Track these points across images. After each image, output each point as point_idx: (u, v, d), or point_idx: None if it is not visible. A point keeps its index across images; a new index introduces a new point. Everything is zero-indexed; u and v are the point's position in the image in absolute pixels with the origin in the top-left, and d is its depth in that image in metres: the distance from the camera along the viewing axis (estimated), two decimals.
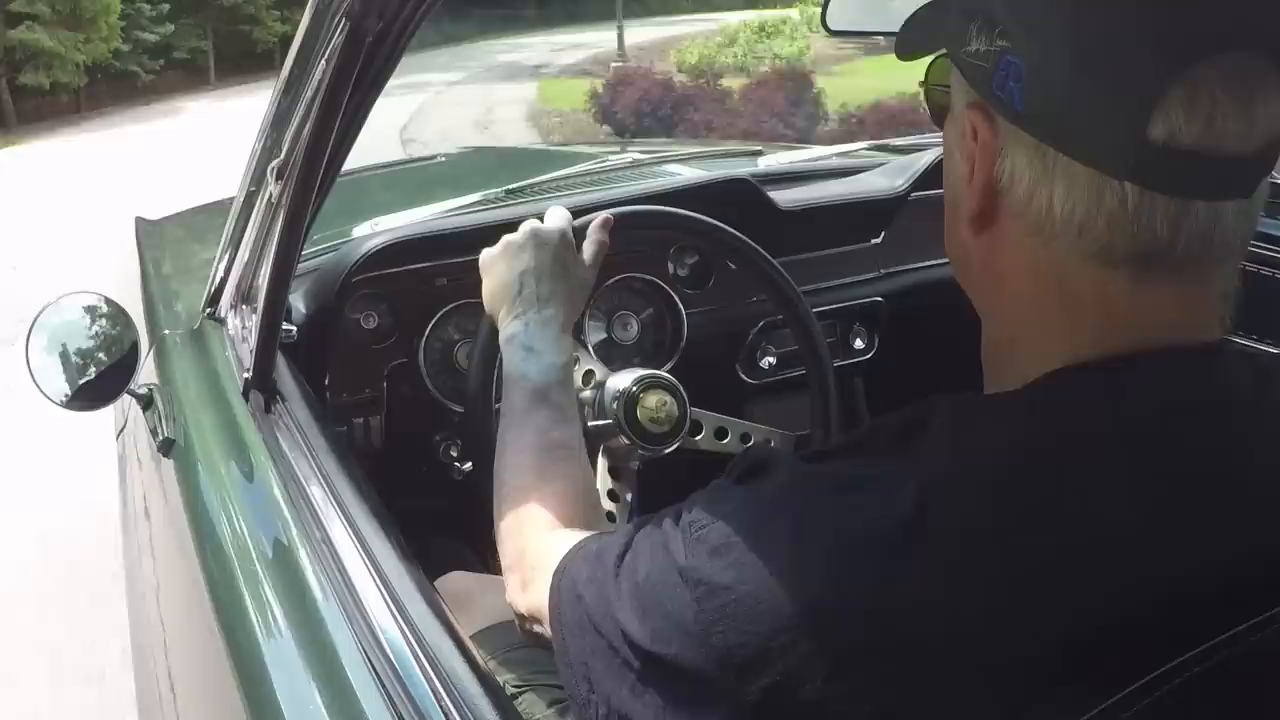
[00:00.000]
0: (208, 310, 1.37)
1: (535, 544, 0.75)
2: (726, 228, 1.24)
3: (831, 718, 0.47)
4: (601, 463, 1.11)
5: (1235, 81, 0.48)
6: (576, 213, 1.06)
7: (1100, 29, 0.49)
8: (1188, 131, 0.48)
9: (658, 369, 1.22)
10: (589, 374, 1.13)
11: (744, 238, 1.24)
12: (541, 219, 1.02)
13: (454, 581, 1.18)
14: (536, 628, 0.71)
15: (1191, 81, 0.48)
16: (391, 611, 0.74)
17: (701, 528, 0.54)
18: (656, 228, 1.30)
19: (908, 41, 0.67)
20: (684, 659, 0.52)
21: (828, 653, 0.47)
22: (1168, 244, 0.50)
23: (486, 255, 1.00)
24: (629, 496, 1.11)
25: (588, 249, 1.02)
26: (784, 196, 1.57)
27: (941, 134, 0.62)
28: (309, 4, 0.84)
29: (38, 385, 1.23)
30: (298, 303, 1.31)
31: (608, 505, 1.09)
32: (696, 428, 1.20)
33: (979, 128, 0.54)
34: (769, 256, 1.25)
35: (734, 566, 0.51)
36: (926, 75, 0.64)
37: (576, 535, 0.70)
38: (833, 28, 1.24)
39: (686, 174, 1.73)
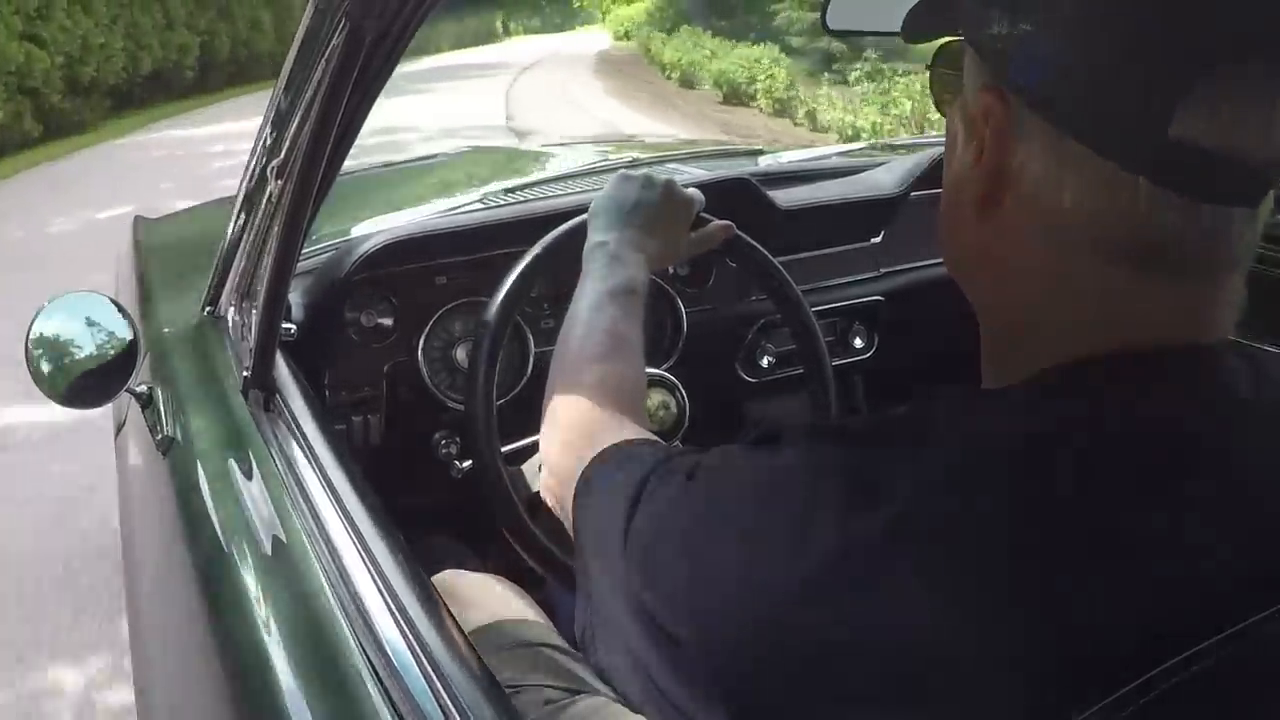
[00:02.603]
0: (207, 308, 1.37)
1: (587, 412, 0.77)
2: (806, 305, 1.26)
3: (809, 707, 0.48)
4: None
5: (1259, 88, 0.48)
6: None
7: (1129, 22, 0.49)
8: (1209, 133, 0.48)
9: (657, 368, 1.22)
10: None
11: (812, 314, 1.27)
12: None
13: (452, 579, 1.18)
14: (556, 486, 0.75)
15: (1217, 83, 0.48)
16: (390, 609, 0.74)
17: (710, 491, 0.55)
18: (752, 273, 1.29)
19: (918, 24, 0.66)
20: (669, 624, 0.53)
21: (810, 650, 0.48)
22: (1175, 243, 0.50)
23: (622, 173, 1.07)
24: None
25: (697, 234, 1.10)
26: (784, 196, 1.57)
27: (944, 127, 0.61)
28: (310, 4, 0.84)
29: (37, 383, 1.24)
30: (297, 301, 1.31)
31: None
32: None
33: (993, 111, 0.54)
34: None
35: (731, 541, 0.52)
36: (934, 59, 0.64)
37: (625, 424, 0.73)
38: (833, 27, 1.24)
39: (687, 173, 1.73)
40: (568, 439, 0.76)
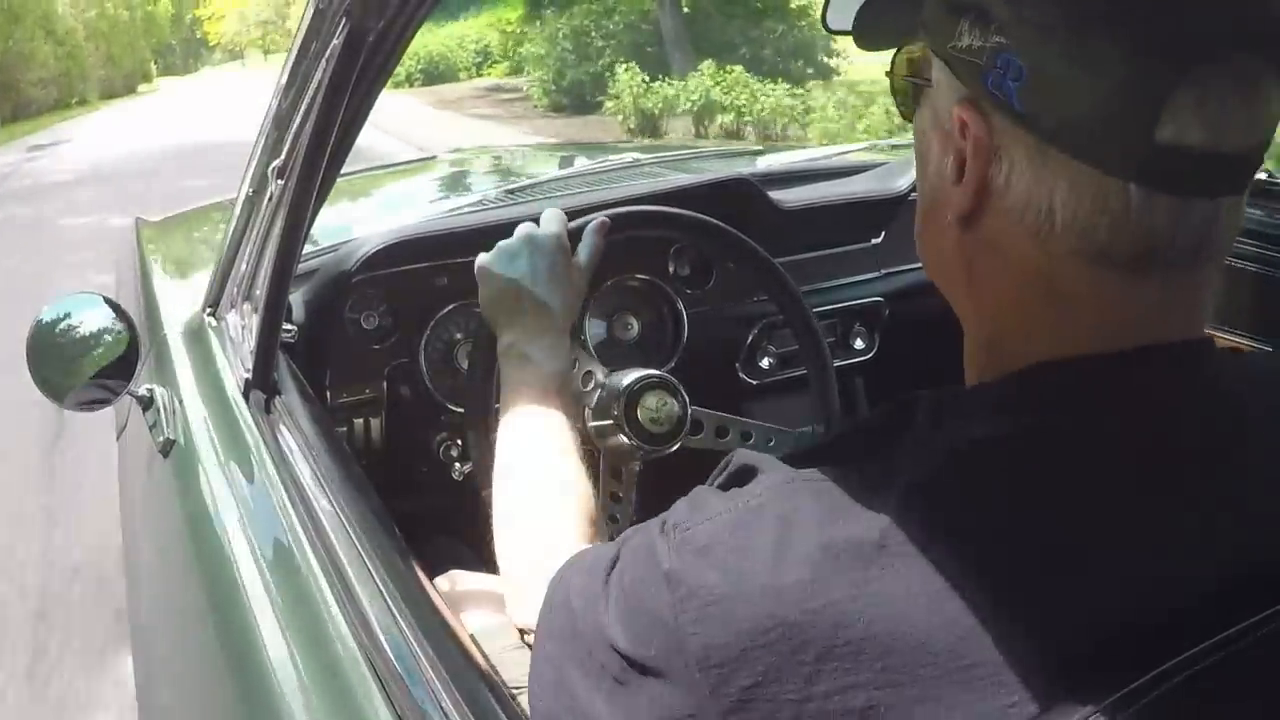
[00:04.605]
0: (208, 310, 1.37)
1: (529, 560, 0.77)
2: (720, 224, 1.24)
3: (810, 716, 0.47)
4: (602, 463, 1.11)
5: (1241, 81, 0.48)
6: (573, 214, 1.07)
7: (1106, 30, 0.49)
8: (1196, 132, 0.48)
9: (658, 369, 1.22)
10: (589, 374, 1.13)
11: (740, 234, 1.24)
12: (538, 222, 1.02)
13: (453, 581, 1.18)
14: (531, 639, 0.72)
15: (1200, 82, 0.47)
16: (391, 611, 0.74)
17: (686, 530, 0.54)
18: (652, 227, 1.29)
19: (872, 33, 0.64)
20: (662, 661, 0.51)
21: (808, 655, 0.47)
22: (1167, 243, 0.50)
23: (482, 261, 1.01)
24: (631, 496, 1.11)
25: (583, 252, 1.03)
26: (784, 196, 1.57)
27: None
28: (309, 4, 0.84)
29: (38, 385, 1.23)
30: (298, 302, 1.31)
31: (609, 506, 1.09)
32: (697, 426, 1.20)
33: (971, 125, 0.53)
34: (764, 252, 1.25)
35: (716, 568, 0.51)
36: (893, 66, 0.62)
37: (572, 550, 0.70)
38: (833, 27, 1.24)
39: (686, 174, 1.73)
40: (521, 590, 0.76)
